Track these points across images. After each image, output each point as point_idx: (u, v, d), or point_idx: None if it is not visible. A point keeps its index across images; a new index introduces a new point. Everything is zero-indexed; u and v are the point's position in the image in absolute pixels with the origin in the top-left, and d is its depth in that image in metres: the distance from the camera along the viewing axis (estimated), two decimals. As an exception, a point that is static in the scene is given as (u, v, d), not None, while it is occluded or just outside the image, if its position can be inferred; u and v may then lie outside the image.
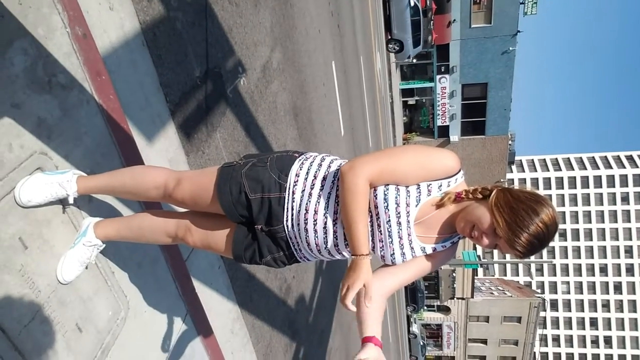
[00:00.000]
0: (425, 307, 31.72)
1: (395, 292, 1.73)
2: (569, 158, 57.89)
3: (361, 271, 1.32)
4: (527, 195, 1.32)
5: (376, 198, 1.38)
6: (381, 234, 1.41)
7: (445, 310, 32.52)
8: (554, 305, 56.15)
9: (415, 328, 30.01)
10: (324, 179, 1.48)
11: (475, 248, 24.58)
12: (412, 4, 17.47)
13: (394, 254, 1.42)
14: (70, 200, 1.59)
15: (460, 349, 33.85)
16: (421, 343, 29.88)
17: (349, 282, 1.32)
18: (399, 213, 1.37)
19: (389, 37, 17.82)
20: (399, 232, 1.39)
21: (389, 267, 1.46)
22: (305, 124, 5.39)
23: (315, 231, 1.46)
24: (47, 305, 1.55)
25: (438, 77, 24.13)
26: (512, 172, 54.81)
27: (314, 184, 1.48)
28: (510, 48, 22.82)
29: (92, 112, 1.79)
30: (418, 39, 18.11)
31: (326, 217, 1.45)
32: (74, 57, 1.70)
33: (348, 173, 1.35)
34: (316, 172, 1.50)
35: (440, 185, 1.39)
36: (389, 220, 1.38)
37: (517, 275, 56.73)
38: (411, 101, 26.58)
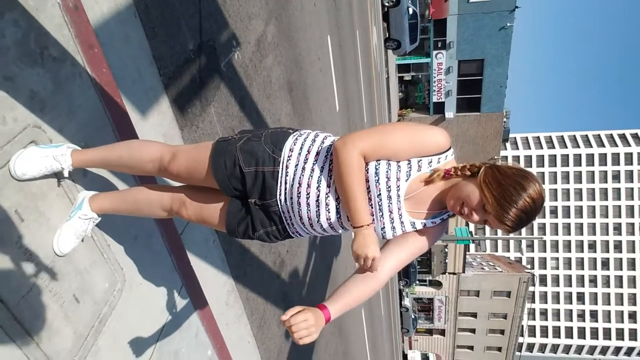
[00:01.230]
0: (417, 282, 32.24)
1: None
2: (562, 136, 58.02)
3: (367, 241, 1.36)
4: (515, 171, 1.35)
5: (367, 172, 1.41)
6: (371, 207, 1.44)
7: (437, 284, 33.08)
8: (542, 280, 57.23)
9: (407, 302, 30.56)
10: (318, 153, 1.51)
11: (467, 224, 24.84)
12: (411, 11, 18.34)
13: (384, 227, 1.45)
14: (65, 174, 1.60)
15: (451, 322, 34.61)
16: (412, 316, 30.48)
17: (361, 253, 1.36)
18: (389, 187, 1.40)
19: (387, 36, 18.81)
20: (389, 206, 1.42)
21: (385, 251, 1.48)
22: (300, 99, 5.36)
23: (308, 205, 1.49)
24: (44, 276, 1.58)
25: (434, 52, 23.87)
26: (506, 149, 54.97)
27: (307, 159, 1.50)
28: (508, 24, 22.54)
29: (85, 86, 1.79)
30: (415, 36, 19.23)
31: (319, 191, 1.47)
32: (65, 29, 1.68)
33: (342, 148, 1.38)
34: (310, 147, 1.53)
35: (431, 162, 1.42)
36: (380, 194, 1.41)
37: (508, 251, 57.58)
38: (407, 77, 26.35)
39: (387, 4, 18.39)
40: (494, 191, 1.31)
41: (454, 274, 32.07)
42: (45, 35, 1.60)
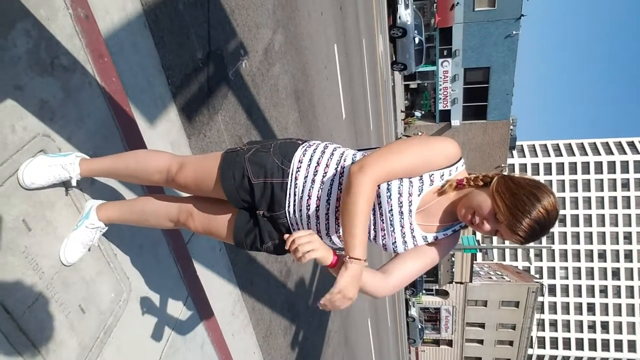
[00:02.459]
0: (424, 291, 31.98)
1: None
2: (570, 144, 57.67)
3: (356, 281, 1.25)
4: (529, 181, 1.32)
5: (379, 188, 1.38)
6: (383, 222, 1.42)
7: (444, 294, 32.80)
8: (552, 290, 56.58)
9: (413, 311, 30.28)
10: (327, 166, 1.49)
11: (474, 233, 24.67)
12: (417, 41, 19.47)
13: (395, 242, 1.43)
14: (73, 183, 1.60)
15: (458, 332, 34.24)
16: (419, 326, 30.17)
17: (348, 294, 1.24)
18: (401, 203, 1.37)
19: (394, 60, 19.91)
20: (400, 221, 1.40)
21: (397, 259, 1.45)
22: (307, 107, 5.36)
23: (318, 217, 1.47)
24: (50, 286, 1.57)
25: (440, 60, 23.91)
26: (513, 157, 54.70)
27: (316, 171, 1.48)
28: (514, 32, 22.56)
29: (95, 94, 1.79)
30: (420, 59, 20.45)
31: (329, 204, 1.45)
32: (76, 38, 1.69)
33: (357, 174, 1.32)
34: (319, 159, 1.51)
35: (442, 175, 1.40)
36: (391, 210, 1.38)
37: (516, 260, 57.04)
38: (413, 85, 26.41)
39: (395, 36, 19.17)
40: (506, 200, 1.29)
41: (461, 283, 31.79)
42: (56, 44, 1.60)
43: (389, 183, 1.37)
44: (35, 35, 1.52)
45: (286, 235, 1.23)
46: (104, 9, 1.87)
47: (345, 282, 1.23)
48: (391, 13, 18.92)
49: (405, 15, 18.53)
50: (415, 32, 19.22)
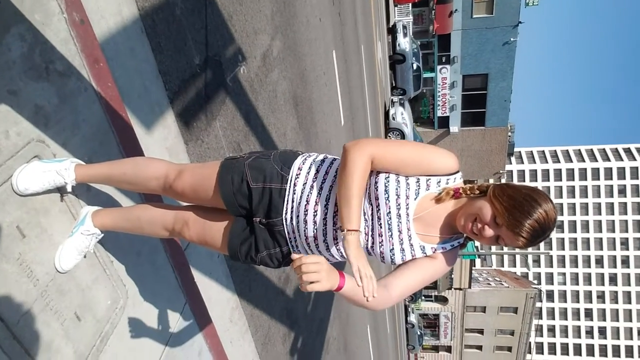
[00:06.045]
0: (423, 297, 31.92)
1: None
2: (567, 150, 57.87)
3: (352, 247, 1.29)
4: (525, 187, 1.35)
5: (377, 190, 1.39)
6: (381, 227, 1.41)
7: (443, 300, 32.73)
8: (550, 296, 56.53)
9: (412, 318, 30.21)
10: (326, 173, 1.49)
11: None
12: (415, 67, 20.54)
13: (393, 249, 1.41)
14: (69, 189, 1.58)
15: (457, 338, 34.13)
16: (418, 333, 30.10)
17: (360, 265, 1.26)
18: (399, 205, 1.38)
19: (394, 85, 21.00)
20: (398, 226, 1.39)
21: (396, 272, 1.44)
22: (305, 113, 5.36)
23: (315, 223, 1.46)
24: (45, 294, 1.54)
25: (439, 67, 23.99)
26: (511, 163, 54.81)
27: (316, 177, 1.49)
28: (512, 39, 22.67)
29: (90, 100, 1.77)
30: (418, 85, 21.36)
31: (327, 209, 1.45)
32: (71, 43, 1.67)
33: (352, 148, 1.37)
34: (319, 166, 1.52)
35: (439, 181, 1.41)
36: (389, 212, 1.38)
37: (514, 266, 57.04)
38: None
39: (395, 59, 20.24)
40: (504, 202, 1.31)
41: (460, 289, 31.74)
42: (51, 49, 1.59)
43: (387, 185, 1.38)
44: (29, 39, 1.50)
45: (294, 255, 1.20)
46: (100, 13, 1.85)
47: (356, 258, 1.27)
48: (391, 40, 20.32)
49: (404, 42, 19.90)
50: (414, 59, 20.39)
